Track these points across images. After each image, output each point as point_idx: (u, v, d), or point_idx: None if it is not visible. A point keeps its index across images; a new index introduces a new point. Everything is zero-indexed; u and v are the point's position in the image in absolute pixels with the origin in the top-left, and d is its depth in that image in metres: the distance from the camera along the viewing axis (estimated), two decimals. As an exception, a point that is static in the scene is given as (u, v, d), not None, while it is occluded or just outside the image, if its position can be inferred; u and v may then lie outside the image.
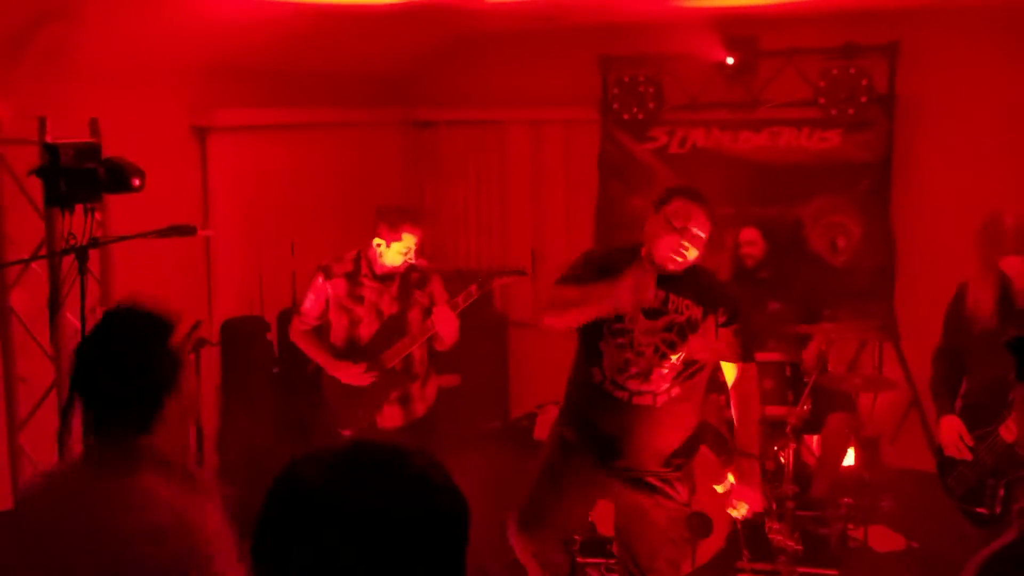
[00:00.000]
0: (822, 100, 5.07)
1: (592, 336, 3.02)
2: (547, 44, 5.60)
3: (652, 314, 2.96)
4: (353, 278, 3.71)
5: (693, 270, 2.99)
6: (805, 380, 4.14)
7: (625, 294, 2.86)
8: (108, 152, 3.37)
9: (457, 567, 1.01)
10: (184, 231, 3.43)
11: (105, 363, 1.65)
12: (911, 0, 4.72)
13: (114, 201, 3.47)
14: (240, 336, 4.89)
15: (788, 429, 4.02)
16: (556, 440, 3.20)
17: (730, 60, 5.17)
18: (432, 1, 4.21)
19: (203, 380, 3.99)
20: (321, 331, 3.81)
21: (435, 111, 6.08)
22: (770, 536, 4.02)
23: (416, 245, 3.65)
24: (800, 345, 4.45)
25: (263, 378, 4.95)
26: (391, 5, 4.15)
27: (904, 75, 5.07)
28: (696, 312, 2.95)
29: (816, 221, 5.26)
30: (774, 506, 4.06)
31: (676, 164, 5.48)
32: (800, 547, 3.96)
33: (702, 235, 2.89)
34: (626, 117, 5.47)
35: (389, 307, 3.71)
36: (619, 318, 2.96)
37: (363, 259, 3.71)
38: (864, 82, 5.01)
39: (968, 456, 3.15)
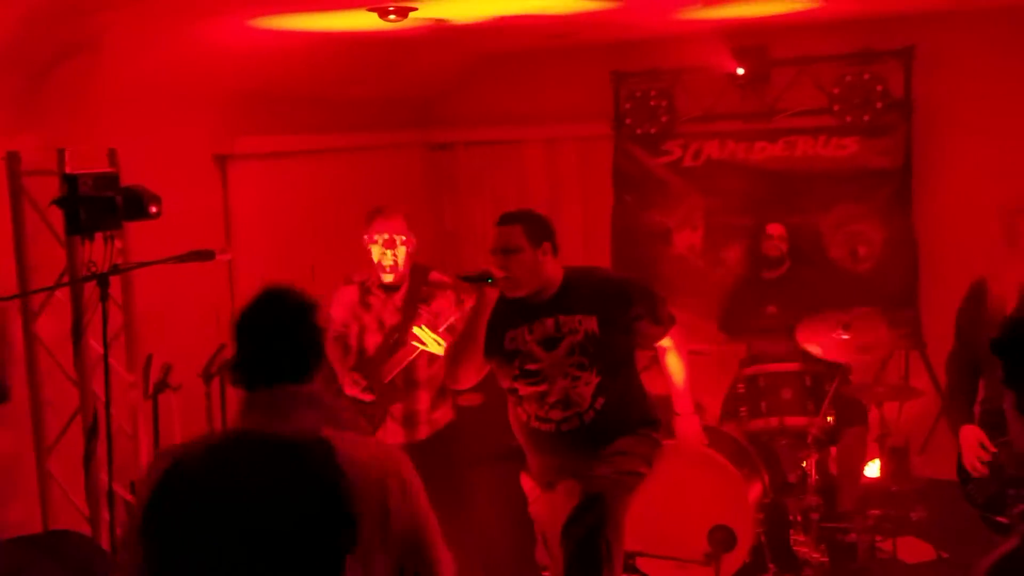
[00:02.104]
0: (837, 107, 5.05)
1: (508, 382, 3.11)
2: (560, 62, 5.65)
3: (550, 344, 3.02)
4: (365, 286, 3.75)
5: (572, 281, 3.06)
6: (825, 389, 4.09)
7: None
8: (130, 181, 3.45)
9: (334, 553, 1.04)
10: (203, 256, 3.50)
11: (274, 326, 1.86)
12: (924, 4, 4.70)
13: (137, 229, 3.56)
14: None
15: (809, 439, 3.99)
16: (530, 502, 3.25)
17: (740, 71, 5.18)
18: (445, 25, 4.27)
19: (229, 403, 4.04)
20: (346, 340, 3.80)
21: (452, 132, 6.14)
22: (795, 548, 3.97)
23: (403, 243, 3.61)
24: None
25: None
26: (406, 30, 4.22)
27: (920, 79, 5.04)
28: (591, 323, 2.99)
29: (836, 230, 5.23)
30: (799, 518, 4.02)
31: (691, 177, 5.48)
32: (826, 559, 3.91)
33: (515, 248, 2.96)
34: (639, 132, 5.49)
35: (391, 317, 3.69)
36: (524, 361, 3.03)
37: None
38: (879, 87, 4.98)
39: (984, 472, 3.09)
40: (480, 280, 2.99)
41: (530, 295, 3.05)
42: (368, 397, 3.64)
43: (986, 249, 3.51)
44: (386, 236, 3.62)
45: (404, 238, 3.64)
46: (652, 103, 5.43)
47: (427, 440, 3.72)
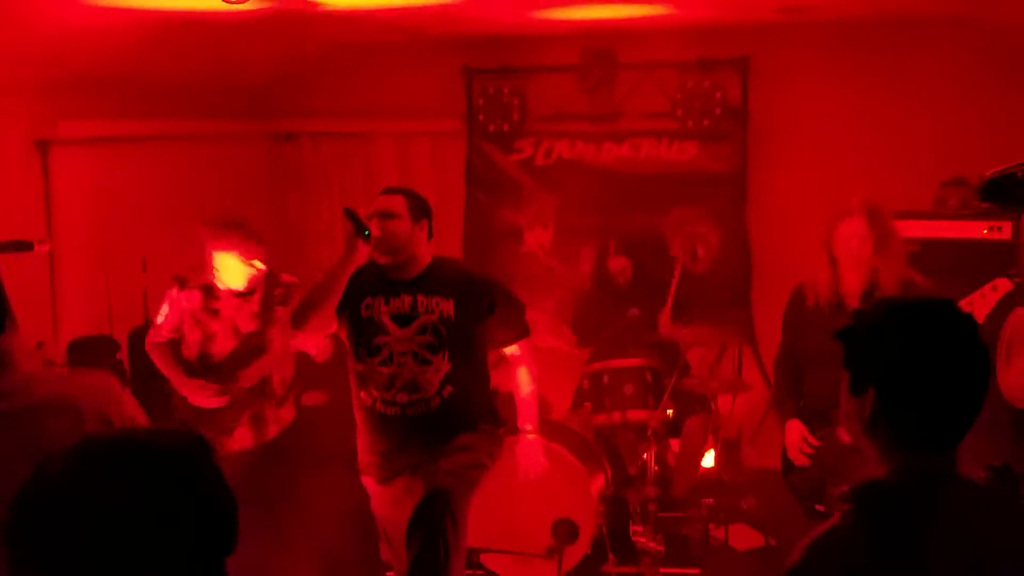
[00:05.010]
0: (679, 112, 5.24)
1: (355, 360, 3.07)
2: (412, 56, 5.57)
3: (403, 320, 3.02)
4: (210, 291, 3.57)
5: (438, 266, 3.10)
6: (665, 384, 4.23)
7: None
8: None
9: (211, 557, 1.01)
10: (19, 247, 3.24)
11: None
12: (760, 16, 4.94)
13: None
14: (89, 357, 4.60)
15: (649, 432, 4.11)
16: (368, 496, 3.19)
17: (588, 72, 5.28)
18: (286, 7, 4.12)
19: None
20: (178, 345, 3.64)
21: (298, 123, 5.95)
22: (634, 539, 4.08)
23: (245, 259, 3.50)
24: (662, 351, 4.55)
25: (116, 401, 4.70)
26: (248, 12, 4.03)
27: (756, 89, 5.30)
28: (447, 306, 3.01)
29: (677, 231, 5.41)
30: (638, 509, 4.13)
31: (542, 176, 5.55)
32: (663, 548, 4.04)
33: (394, 213, 2.99)
34: (491, 129, 5.50)
35: (247, 323, 3.56)
36: (375, 333, 2.99)
37: None
38: (718, 95, 5.21)
39: (807, 463, 3.26)
40: (359, 224, 2.91)
41: (395, 269, 3.04)
42: (220, 403, 3.52)
43: (814, 252, 3.72)
44: (239, 264, 3.51)
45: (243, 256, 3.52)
46: (504, 100, 5.46)
47: (276, 439, 3.65)
